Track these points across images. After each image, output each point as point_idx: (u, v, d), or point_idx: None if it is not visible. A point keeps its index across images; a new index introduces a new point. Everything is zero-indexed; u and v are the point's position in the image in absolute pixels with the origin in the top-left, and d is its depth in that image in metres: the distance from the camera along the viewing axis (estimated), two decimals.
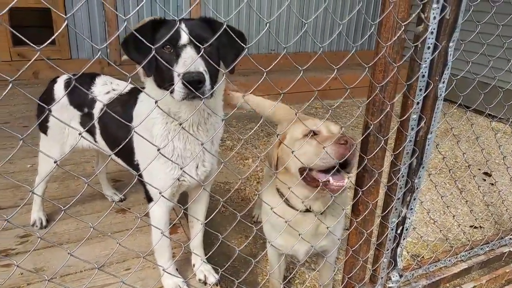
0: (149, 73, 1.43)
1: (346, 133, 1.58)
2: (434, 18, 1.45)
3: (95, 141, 2.00)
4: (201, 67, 1.30)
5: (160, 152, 1.17)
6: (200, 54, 1.27)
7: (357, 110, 5.79)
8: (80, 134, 1.08)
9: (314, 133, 1.60)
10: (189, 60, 1.29)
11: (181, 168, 1.55)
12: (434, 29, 1.47)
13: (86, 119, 1.99)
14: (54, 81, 2.12)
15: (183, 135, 1.57)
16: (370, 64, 1.46)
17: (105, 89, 1.94)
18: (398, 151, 1.65)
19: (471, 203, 3.67)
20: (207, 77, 1.30)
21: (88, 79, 2.01)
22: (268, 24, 1.13)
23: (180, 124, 1.51)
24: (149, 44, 1.01)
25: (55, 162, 1.05)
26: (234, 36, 1.22)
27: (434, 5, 1.43)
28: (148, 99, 1.60)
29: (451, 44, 1.52)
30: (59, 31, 1.12)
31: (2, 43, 4.86)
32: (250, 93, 2.62)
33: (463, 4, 1.46)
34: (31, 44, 0.89)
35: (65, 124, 1.99)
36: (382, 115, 1.53)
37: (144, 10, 5.61)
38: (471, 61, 1.83)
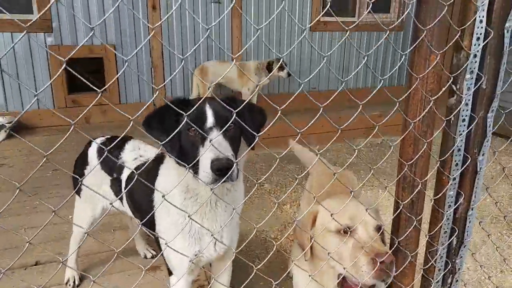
0: (172, 153, 1.40)
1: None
2: (468, 89, 1.32)
3: (123, 205, 2.02)
4: (229, 152, 1.27)
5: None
6: (226, 125, 1.24)
7: (387, 150, 5.49)
8: (111, 204, 1.06)
9: (349, 229, 1.40)
10: (216, 145, 1.26)
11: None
12: (469, 100, 1.34)
13: (115, 183, 2.03)
14: (89, 144, 2.20)
15: (201, 211, 1.53)
16: (398, 141, 1.35)
17: (133, 155, 1.97)
18: (434, 230, 1.49)
19: None
20: (235, 161, 1.26)
21: (119, 143, 2.06)
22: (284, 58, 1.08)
23: (190, 215, 1.47)
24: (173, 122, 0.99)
25: (85, 233, 1.04)
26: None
27: (467, 76, 1.31)
28: (168, 174, 1.59)
29: (489, 114, 1.38)
30: (116, 76, 1.14)
31: (59, 92, 5.24)
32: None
33: (501, 73, 1.33)
34: (96, 89, 0.89)
35: (96, 192, 2.03)
36: (414, 193, 1.40)
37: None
38: None
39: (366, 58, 1.26)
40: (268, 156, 5.23)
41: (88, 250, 2.73)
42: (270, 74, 5.35)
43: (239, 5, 5.77)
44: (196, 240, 1.59)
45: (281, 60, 5.38)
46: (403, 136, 1.36)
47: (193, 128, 1.35)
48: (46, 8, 4.92)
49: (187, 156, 1.38)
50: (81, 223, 2.24)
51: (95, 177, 2.07)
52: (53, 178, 3.91)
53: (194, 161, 1.31)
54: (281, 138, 4.18)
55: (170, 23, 5.58)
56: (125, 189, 1.93)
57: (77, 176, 2.19)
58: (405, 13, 1.29)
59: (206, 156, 1.26)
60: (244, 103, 1.25)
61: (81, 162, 2.16)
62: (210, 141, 1.27)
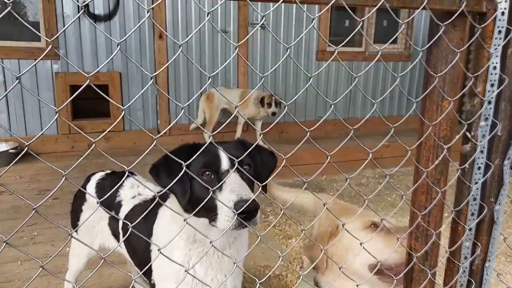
0: (183, 201, 1.30)
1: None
2: (483, 136, 1.26)
3: (120, 247, 1.94)
4: (251, 194, 1.19)
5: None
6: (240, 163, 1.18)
7: (396, 181, 5.42)
8: (103, 258, 0.98)
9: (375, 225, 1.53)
10: (237, 187, 1.19)
11: None
12: (484, 147, 1.28)
13: (113, 220, 1.96)
14: (88, 179, 2.14)
15: (206, 261, 1.45)
16: (411, 190, 1.28)
17: (131, 193, 1.91)
18: (450, 283, 1.39)
19: None
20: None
21: (118, 179, 2.00)
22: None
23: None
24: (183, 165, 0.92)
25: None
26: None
27: (482, 123, 1.25)
28: (170, 220, 1.50)
29: (506, 162, 1.31)
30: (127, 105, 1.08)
31: (65, 119, 5.24)
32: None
33: None
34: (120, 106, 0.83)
35: (92, 227, 1.98)
36: (428, 244, 1.31)
37: (187, 80, 5.85)
38: None
39: (356, 80, 1.21)
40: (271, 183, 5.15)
41: (84, 285, 2.63)
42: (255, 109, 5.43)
43: (245, 35, 5.82)
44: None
45: (273, 97, 5.34)
46: (416, 185, 1.28)
47: (207, 172, 1.28)
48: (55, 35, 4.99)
49: (200, 202, 1.22)
50: (77, 258, 2.17)
51: (94, 214, 2.00)
52: (53, 207, 3.84)
53: (211, 208, 1.23)
54: (285, 168, 4.13)
55: (177, 51, 5.63)
56: (122, 228, 1.86)
57: (75, 212, 2.14)
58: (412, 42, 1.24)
59: (227, 199, 1.17)
60: (253, 145, 1.18)
61: (79, 198, 2.10)
62: (224, 183, 1.21)
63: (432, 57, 1.22)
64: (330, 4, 0.98)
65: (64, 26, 5.11)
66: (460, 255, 1.37)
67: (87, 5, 5.08)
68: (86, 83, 0.93)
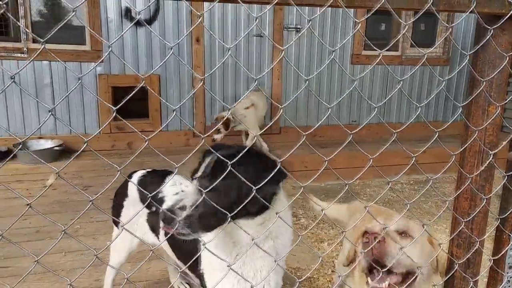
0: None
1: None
2: None
3: (159, 240, 2.01)
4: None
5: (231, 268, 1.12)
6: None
7: (431, 188, 5.25)
8: (153, 249, 1.04)
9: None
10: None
11: None
12: None
13: (153, 217, 2.03)
14: (130, 176, 2.23)
15: (247, 257, 1.49)
16: (454, 196, 1.26)
17: (174, 190, 1.98)
18: None
19: None
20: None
21: (160, 177, 2.08)
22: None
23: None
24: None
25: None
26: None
27: None
28: None
29: None
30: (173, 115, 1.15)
31: (105, 118, 5.47)
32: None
33: None
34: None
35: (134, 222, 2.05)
36: (471, 252, 1.29)
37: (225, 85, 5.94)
38: None
39: (401, 83, 1.20)
40: (305, 188, 5.12)
41: (124, 279, 2.73)
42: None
43: (280, 39, 5.86)
44: (241, 284, 1.55)
45: (229, 113, 5.03)
46: (459, 191, 1.27)
47: None
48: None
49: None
50: (118, 252, 2.26)
51: (135, 209, 2.08)
52: (94, 202, 4.01)
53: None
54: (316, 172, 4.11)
55: (213, 55, 5.74)
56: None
57: (117, 208, 2.23)
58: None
59: None
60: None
61: (121, 194, 2.19)
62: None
63: (479, 61, 1.21)
64: (377, 7, 1.00)
65: (107, 30, 5.34)
66: (504, 264, 1.34)
67: (129, 10, 5.29)
68: (141, 84, 1.00)
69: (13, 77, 0.90)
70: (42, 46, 0.79)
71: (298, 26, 5.96)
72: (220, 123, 5.02)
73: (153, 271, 2.84)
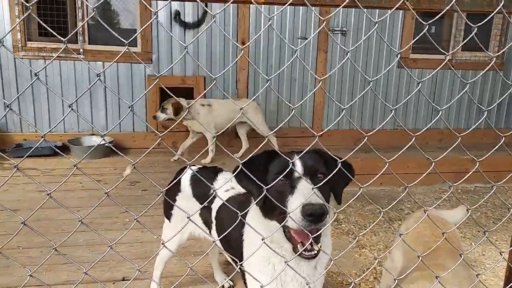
0: (259, 202, 1.40)
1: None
2: None
3: (210, 234, 2.08)
4: (321, 200, 1.27)
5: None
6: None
7: (480, 198, 4.99)
8: (214, 242, 1.09)
9: None
10: (306, 191, 1.27)
11: None
12: None
13: (205, 212, 2.10)
14: (182, 171, 2.32)
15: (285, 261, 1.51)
16: (500, 183, 1.22)
17: (225, 187, 2.04)
18: None
19: None
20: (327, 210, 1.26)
21: (212, 174, 2.15)
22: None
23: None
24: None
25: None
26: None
27: None
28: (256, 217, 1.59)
29: None
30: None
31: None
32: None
33: None
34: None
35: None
36: None
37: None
38: None
39: (467, 86, 1.18)
40: (346, 193, 5.06)
41: (170, 272, 2.84)
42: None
43: (325, 41, 5.84)
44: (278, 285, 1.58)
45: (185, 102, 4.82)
46: None
47: (282, 178, 1.37)
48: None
49: (273, 206, 1.37)
50: (168, 245, 2.35)
51: (187, 204, 2.16)
52: (142, 197, 4.19)
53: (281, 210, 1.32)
54: (360, 176, 4.05)
55: (257, 57, 5.82)
56: (215, 219, 2.00)
57: (170, 201, 2.32)
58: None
59: (296, 202, 1.27)
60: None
61: (174, 188, 2.28)
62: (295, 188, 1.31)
63: None
64: (444, 11, 0.99)
65: (157, 33, 5.55)
66: None
67: (179, 13, 5.48)
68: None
69: (99, 74, 0.99)
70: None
71: (344, 29, 5.92)
72: (170, 104, 4.90)
73: (197, 266, 2.92)
